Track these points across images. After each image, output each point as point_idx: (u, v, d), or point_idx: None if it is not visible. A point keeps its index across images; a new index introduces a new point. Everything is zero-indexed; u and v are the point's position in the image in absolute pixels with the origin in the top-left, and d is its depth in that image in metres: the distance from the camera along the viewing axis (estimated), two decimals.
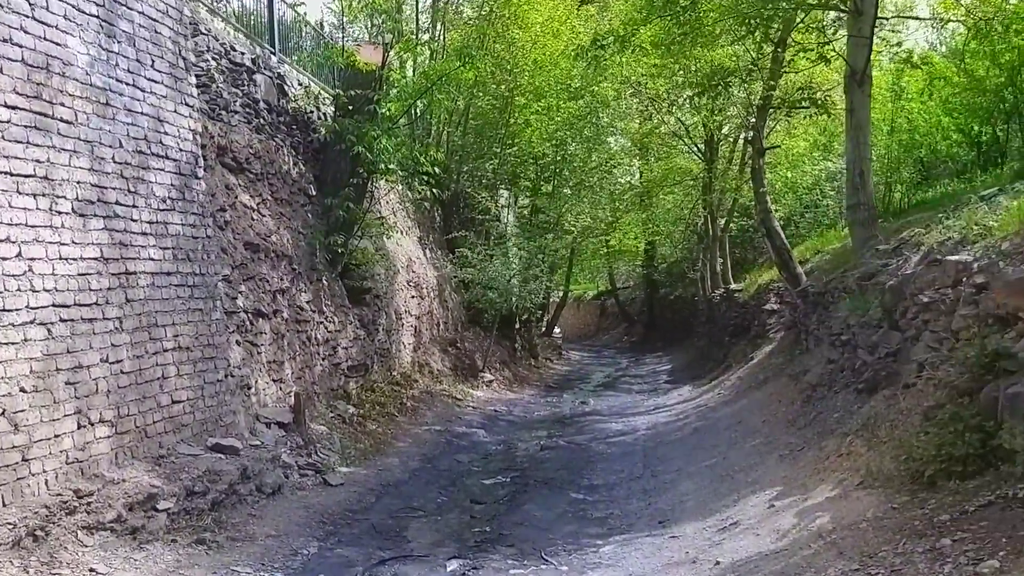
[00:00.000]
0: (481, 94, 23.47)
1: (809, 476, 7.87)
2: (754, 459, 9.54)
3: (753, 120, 18.92)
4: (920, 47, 27.29)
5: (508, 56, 22.68)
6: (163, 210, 9.61)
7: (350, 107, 14.62)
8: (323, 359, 14.12)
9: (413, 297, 19.53)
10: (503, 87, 22.99)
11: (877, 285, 9.70)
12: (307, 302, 13.76)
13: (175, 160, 9.90)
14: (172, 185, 9.83)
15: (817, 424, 9.49)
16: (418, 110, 22.58)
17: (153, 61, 9.66)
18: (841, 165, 27.70)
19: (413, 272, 19.76)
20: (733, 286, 24.34)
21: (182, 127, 10.15)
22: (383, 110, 14.79)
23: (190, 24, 11.11)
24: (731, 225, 28.29)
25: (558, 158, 25.84)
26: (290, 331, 13.03)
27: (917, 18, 19.92)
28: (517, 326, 26.85)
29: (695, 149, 26.46)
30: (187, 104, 10.33)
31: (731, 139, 25.45)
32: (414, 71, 16.91)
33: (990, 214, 7.82)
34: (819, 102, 13.87)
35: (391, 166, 14.90)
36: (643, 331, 41.06)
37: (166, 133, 9.80)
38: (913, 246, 9.04)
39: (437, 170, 14.86)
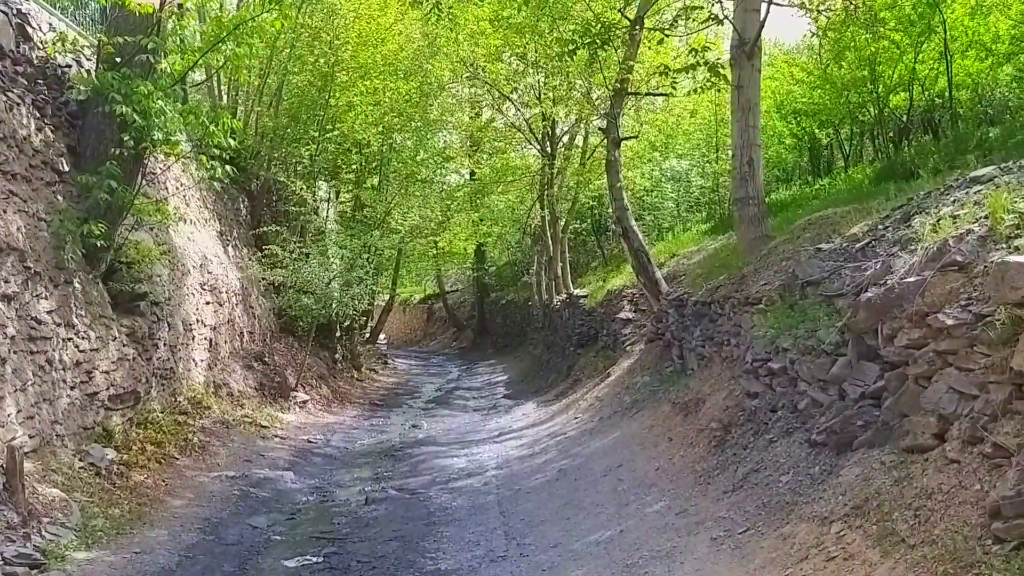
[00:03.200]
0: (297, 69, 19.83)
1: None
2: (671, 539, 6.62)
3: (608, 107, 16.38)
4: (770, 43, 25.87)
5: (328, 27, 19.16)
6: None
7: (118, 59, 10.82)
8: (72, 388, 10.22)
9: (209, 303, 15.69)
10: (323, 61, 19.42)
11: (825, 297, 7.06)
12: (48, 312, 9.84)
13: None
14: None
15: (754, 488, 6.71)
16: (220, 81, 18.76)
17: None
18: (684, 165, 25.99)
19: (209, 273, 15.92)
20: (577, 291, 21.75)
21: None
22: (162, 64, 11.09)
23: None
24: (575, 224, 25.94)
25: (385, 147, 22.51)
26: (19, 353, 9.12)
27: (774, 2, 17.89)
28: (338, 334, 23.31)
29: (535, 142, 23.73)
30: None
31: (578, 131, 22.91)
32: (206, 19, 13.17)
33: None
34: (716, 67, 11.27)
35: (172, 136, 11.16)
36: (473, 337, 38.24)
37: None
38: (894, 244, 6.46)
39: (233, 142, 11.22)
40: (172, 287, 13.66)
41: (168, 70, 11.23)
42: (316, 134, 20.27)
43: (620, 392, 13.43)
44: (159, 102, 10.42)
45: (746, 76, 11.03)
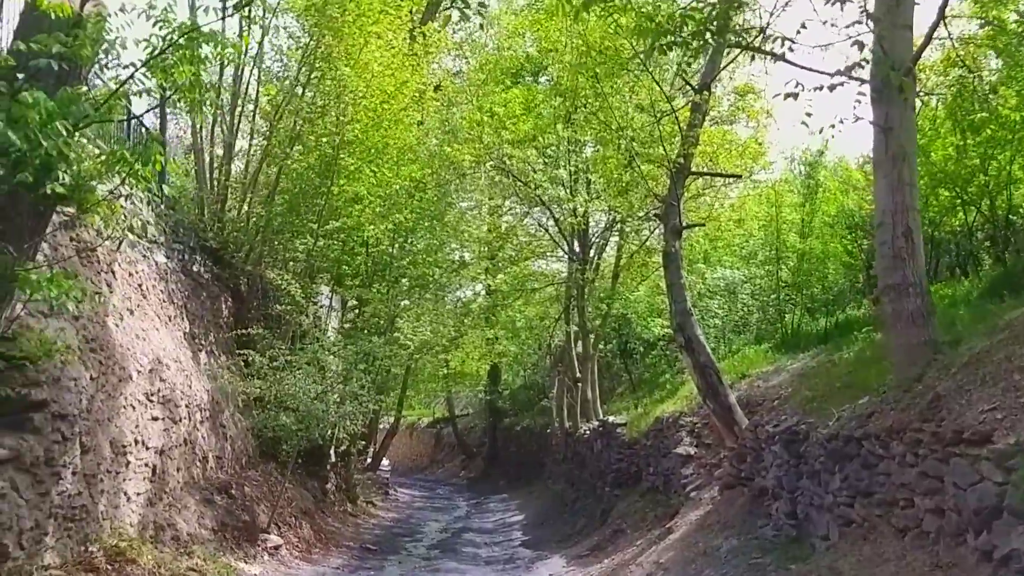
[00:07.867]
0: (298, 153, 16.55)
1: None
2: None
3: (668, 190, 12.91)
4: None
5: (335, 100, 15.98)
6: None
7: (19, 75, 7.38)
8: None
9: (157, 419, 11.80)
10: (325, 141, 16.15)
11: None
12: None
13: None
14: None
15: None
16: (211, 170, 15.40)
17: None
18: (737, 276, 22.02)
19: (162, 380, 12.09)
20: (613, 418, 17.67)
21: None
22: (82, 88, 7.67)
23: None
24: (600, 345, 22.06)
25: (395, 247, 19.02)
26: None
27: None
28: (333, 459, 19.30)
29: (564, 244, 20.19)
30: None
31: (611, 235, 19.43)
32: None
33: None
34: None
35: (85, 183, 7.56)
36: (483, 465, 33.88)
37: None
38: None
39: (168, 189, 7.62)
40: (97, 396, 9.85)
41: (89, 91, 7.82)
42: (315, 226, 16.81)
43: (696, 559, 9.31)
44: (53, 122, 6.87)
45: (896, 114, 7.52)
